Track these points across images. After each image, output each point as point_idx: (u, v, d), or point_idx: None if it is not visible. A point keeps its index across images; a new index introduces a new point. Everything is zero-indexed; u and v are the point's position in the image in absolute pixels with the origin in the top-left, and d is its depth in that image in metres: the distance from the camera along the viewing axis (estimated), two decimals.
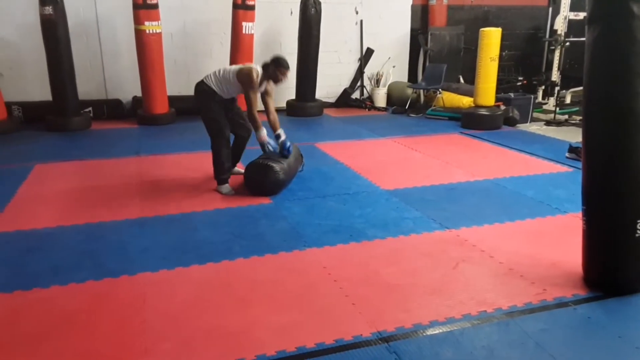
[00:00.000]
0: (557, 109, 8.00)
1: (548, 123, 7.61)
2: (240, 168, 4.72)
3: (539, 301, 2.72)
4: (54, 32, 6.64)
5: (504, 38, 7.34)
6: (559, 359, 2.27)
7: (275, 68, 4.30)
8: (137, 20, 6.94)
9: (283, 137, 4.51)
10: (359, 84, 9.22)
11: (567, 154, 5.57)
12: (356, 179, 4.89)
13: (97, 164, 5.39)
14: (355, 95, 9.24)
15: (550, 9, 9.43)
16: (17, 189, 4.55)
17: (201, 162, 5.11)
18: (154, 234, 3.60)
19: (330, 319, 2.58)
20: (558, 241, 3.48)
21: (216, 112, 4.38)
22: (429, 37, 9.17)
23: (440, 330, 2.48)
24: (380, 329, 2.47)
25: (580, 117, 3.15)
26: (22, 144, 6.26)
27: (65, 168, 5.28)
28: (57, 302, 2.73)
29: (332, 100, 9.08)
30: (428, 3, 9.35)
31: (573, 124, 7.45)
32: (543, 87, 9.08)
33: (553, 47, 8.52)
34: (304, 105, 8.26)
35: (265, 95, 4.51)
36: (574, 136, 6.41)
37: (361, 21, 9.03)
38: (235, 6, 7.26)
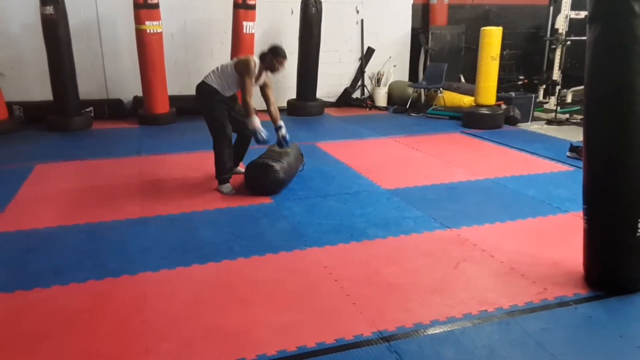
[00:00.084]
0: (558, 108, 7.99)
1: (549, 122, 7.61)
2: (242, 168, 4.72)
3: (540, 300, 2.72)
4: (55, 32, 6.64)
5: (504, 37, 7.33)
6: (560, 359, 2.26)
7: (272, 57, 4.31)
8: (138, 20, 6.94)
9: (283, 130, 4.52)
10: (359, 83, 9.22)
11: (568, 153, 5.57)
12: (357, 178, 4.89)
13: (98, 164, 5.40)
14: (356, 94, 9.24)
15: (552, 8, 9.40)
16: (18, 189, 4.56)
17: (202, 162, 5.11)
18: (154, 234, 3.60)
19: (331, 318, 2.57)
20: (559, 240, 3.47)
21: (218, 112, 4.38)
22: (430, 36, 9.16)
23: (441, 330, 2.47)
24: (381, 329, 2.47)
25: (581, 116, 3.15)
26: (23, 143, 6.26)
27: (66, 168, 5.28)
28: (58, 302, 2.73)
29: (333, 99, 9.08)
30: (429, 2, 9.34)
31: (574, 123, 7.44)
32: (544, 86, 9.08)
33: (554, 46, 8.51)
34: (305, 104, 8.26)
35: (264, 87, 4.52)
36: (575, 135, 6.40)
37: (362, 20, 9.02)
38: (236, 6, 7.25)
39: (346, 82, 9.16)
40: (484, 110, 7.17)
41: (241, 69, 4.27)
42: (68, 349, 2.34)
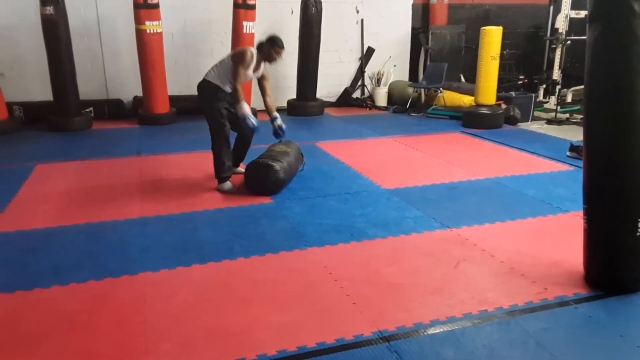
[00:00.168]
0: (558, 107, 7.98)
1: (549, 122, 7.60)
2: (242, 168, 4.72)
3: (540, 300, 2.72)
4: (55, 32, 6.64)
5: (504, 37, 7.33)
6: (560, 358, 2.26)
7: (270, 47, 4.34)
8: (138, 20, 6.94)
9: (279, 120, 4.57)
10: (359, 83, 9.22)
11: (568, 153, 5.56)
12: (357, 178, 4.89)
13: (98, 164, 5.40)
14: (356, 94, 9.24)
15: (552, 8, 9.40)
16: (19, 189, 4.56)
17: (202, 162, 5.11)
18: (154, 234, 3.60)
19: (331, 318, 2.57)
20: (559, 240, 3.47)
21: (218, 112, 4.38)
22: (430, 36, 9.16)
23: (441, 330, 2.47)
24: (381, 329, 2.47)
25: (582, 116, 3.15)
26: (23, 144, 6.26)
27: (66, 168, 5.28)
28: (58, 302, 2.73)
29: (333, 99, 9.08)
30: (429, 2, 9.34)
31: (574, 123, 7.44)
32: (544, 85, 9.07)
33: (554, 46, 8.50)
34: (305, 104, 8.25)
35: (261, 79, 4.56)
36: (575, 135, 6.39)
37: (362, 20, 9.02)
38: (236, 5, 7.25)
39: (346, 82, 9.16)
40: (484, 110, 7.17)
41: (237, 58, 4.31)
42: (68, 349, 2.34)
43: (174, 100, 7.61)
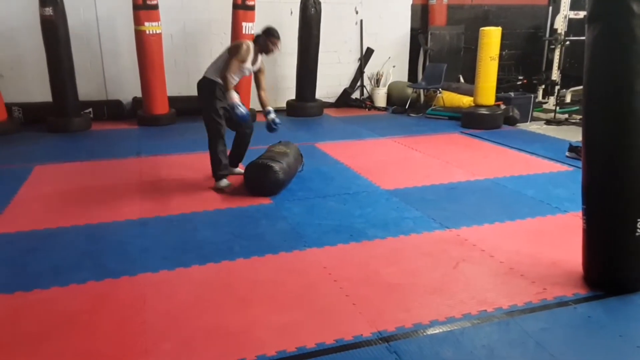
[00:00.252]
0: (557, 108, 7.99)
1: (548, 122, 7.61)
2: (241, 169, 4.73)
3: (539, 300, 2.72)
4: (54, 33, 6.64)
5: (504, 37, 7.33)
6: (560, 359, 2.27)
7: (265, 38, 4.37)
8: (137, 21, 6.94)
9: (272, 114, 4.61)
10: (359, 83, 9.22)
11: (567, 153, 5.57)
12: (356, 178, 4.89)
13: (98, 165, 5.40)
14: (355, 95, 9.24)
15: (551, 8, 9.42)
16: (18, 190, 4.56)
17: (201, 163, 5.10)
18: (154, 235, 3.60)
19: (330, 319, 2.58)
20: (558, 240, 3.48)
21: (216, 111, 4.39)
22: (429, 36, 9.16)
23: (441, 330, 2.48)
24: (381, 329, 2.47)
25: (581, 116, 3.15)
26: (23, 144, 6.26)
27: (65, 169, 5.28)
28: (57, 303, 2.73)
29: (332, 100, 9.08)
30: (428, 2, 9.34)
31: (573, 123, 7.44)
32: (543, 86, 9.07)
33: (553, 46, 8.51)
34: (304, 105, 8.26)
35: (257, 72, 4.58)
36: (574, 135, 6.40)
37: (361, 21, 9.03)
38: (235, 6, 7.26)
39: (345, 83, 9.17)
40: (483, 111, 7.18)
41: (232, 50, 4.34)
42: (68, 350, 2.34)
43: (173, 101, 7.61)
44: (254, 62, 4.43)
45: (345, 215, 3.96)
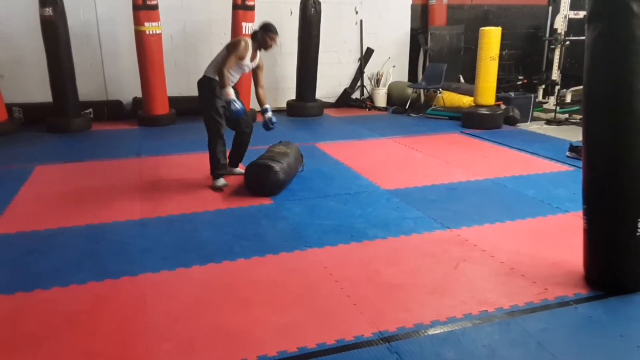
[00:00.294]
0: (558, 108, 7.99)
1: (548, 122, 7.61)
2: (241, 169, 4.73)
3: (540, 300, 2.72)
4: (54, 33, 6.65)
5: (504, 37, 7.34)
6: (561, 358, 2.27)
7: (263, 33, 4.37)
8: (137, 21, 6.94)
9: (269, 112, 4.60)
10: (359, 84, 9.22)
11: (567, 153, 5.57)
12: (357, 179, 4.89)
13: (98, 165, 5.40)
14: (356, 95, 9.24)
15: (550, 8, 9.42)
16: (18, 190, 4.56)
17: (202, 163, 5.09)
18: (155, 235, 3.60)
19: (331, 319, 2.58)
20: (559, 240, 3.48)
21: (215, 110, 4.40)
22: (429, 36, 9.16)
23: (442, 330, 2.47)
24: (382, 329, 2.47)
25: (581, 116, 3.15)
26: (23, 145, 6.26)
27: (66, 169, 5.28)
28: (58, 303, 2.73)
29: (332, 100, 9.08)
30: (428, 3, 9.34)
31: (573, 123, 7.45)
32: (543, 86, 9.07)
33: (553, 46, 8.52)
34: (304, 105, 8.26)
35: (256, 69, 4.59)
36: (575, 135, 6.40)
37: (361, 21, 9.03)
38: (235, 7, 7.26)
39: (345, 83, 9.17)
40: (484, 111, 7.18)
41: (230, 47, 4.35)
42: (68, 350, 2.34)
43: (174, 101, 7.61)
44: (252, 58, 4.44)
45: (345, 215, 3.96)
